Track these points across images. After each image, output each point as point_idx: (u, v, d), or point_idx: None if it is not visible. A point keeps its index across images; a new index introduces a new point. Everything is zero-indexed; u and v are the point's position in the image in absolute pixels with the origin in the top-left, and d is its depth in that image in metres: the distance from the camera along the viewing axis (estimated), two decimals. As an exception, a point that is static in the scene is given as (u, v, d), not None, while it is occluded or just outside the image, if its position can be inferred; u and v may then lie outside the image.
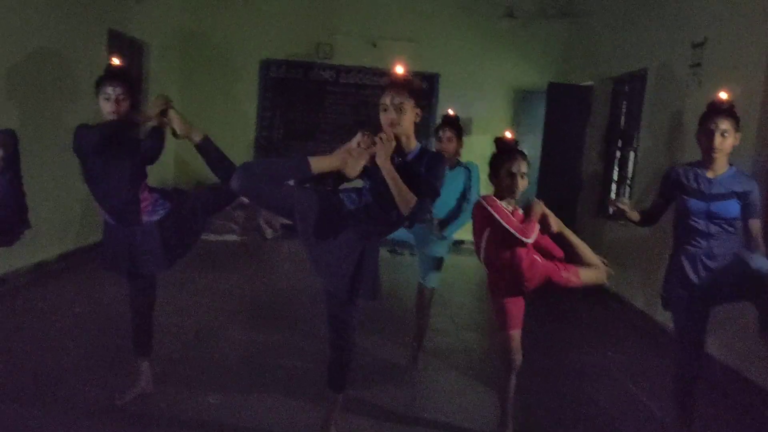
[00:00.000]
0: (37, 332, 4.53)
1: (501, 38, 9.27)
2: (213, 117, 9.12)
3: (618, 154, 7.54)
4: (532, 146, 8.98)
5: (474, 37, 9.35)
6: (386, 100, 2.88)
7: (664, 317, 4.71)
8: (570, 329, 5.89)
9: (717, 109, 3.30)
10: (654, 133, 6.27)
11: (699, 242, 3.33)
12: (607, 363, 4.93)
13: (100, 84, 3.31)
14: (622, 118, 7.51)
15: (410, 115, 2.88)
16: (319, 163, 2.81)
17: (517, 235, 3.09)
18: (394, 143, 2.83)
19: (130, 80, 3.42)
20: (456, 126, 4.33)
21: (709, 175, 3.31)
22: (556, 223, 3.23)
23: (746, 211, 3.29)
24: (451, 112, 4.50)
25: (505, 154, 3.23)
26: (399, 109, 2.85)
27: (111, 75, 3.34)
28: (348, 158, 2.82)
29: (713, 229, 3.30)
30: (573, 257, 3.33)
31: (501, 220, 3.09)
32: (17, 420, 3.28)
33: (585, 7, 8.65)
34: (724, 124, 3.23)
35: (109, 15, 7.01)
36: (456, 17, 9.31)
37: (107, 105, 3.27)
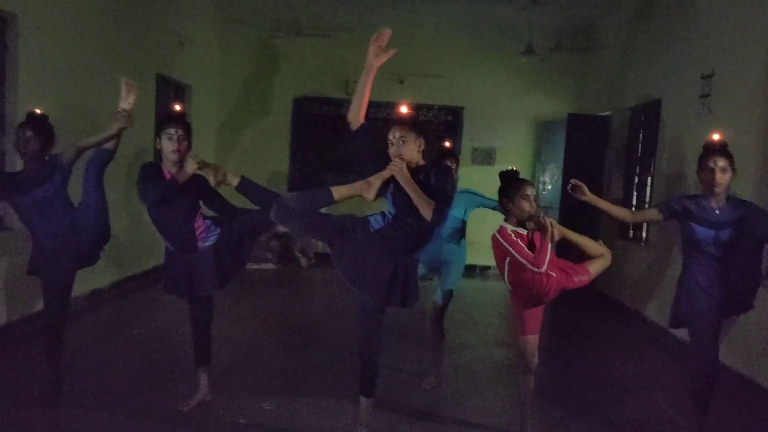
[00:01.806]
0: (102, 352, 4.98)
1: (522, 72, 9.70)
2: (249, 152, 9.72)
3: (636, 179, 7.88)
4: (553, 174, 9.40)
5: (496, 71, 9.81)
6: (390, 136, 3.39)
7: (682, 332, 5.01)
8: (593, 344, 6.19)
9: (714, 149, 3.69)
10: (669, 159, 6.62)
11: (708, 264, 3.69)
12: (630, 374, 5.23)
13: (163, 126, 3.73)
14: (639, 145, 7.86)
15: (413, 146, 3.37)
16: (340, 192, 3.37)
17: (530, 266, 3.41)
18: (404, 163, 3.29)
19: (188, 124, 3.86)
20: (456, 157, 4.73)
21: (713, 205, 3.69)
22: (558, 232, 3.54)
23: (759, 230, 3.65)
24: (447, 144, 4.90)
25: (512, 183, 3.60)
26: (401, 142, 3.35)
27: (173, 118, 3.78)
28: (365, 184, 3.34)
29: (722, 253, 3.67)
30: (581, 254, 3.69)
31: (516, 254, 3.44)
32: (102, 424, 3.72)
33: (600, 41, 9.07)
34: (722, 162, 3.63)
35: (157, 61, 7.60)
36: (479, 54, 9.79)
37: (170, 144, 3.68)
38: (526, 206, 3.52)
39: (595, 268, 3.66)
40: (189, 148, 3.81)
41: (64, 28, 5.70)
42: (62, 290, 3.89)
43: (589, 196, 3.87)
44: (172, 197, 3.67)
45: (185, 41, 8.27)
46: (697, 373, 3.79)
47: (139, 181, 3.70)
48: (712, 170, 3.63)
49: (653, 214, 4.01)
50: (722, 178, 3.63)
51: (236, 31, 9.76)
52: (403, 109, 3.50)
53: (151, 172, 3.72)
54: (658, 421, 4.30)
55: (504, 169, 3.76)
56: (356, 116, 3.43)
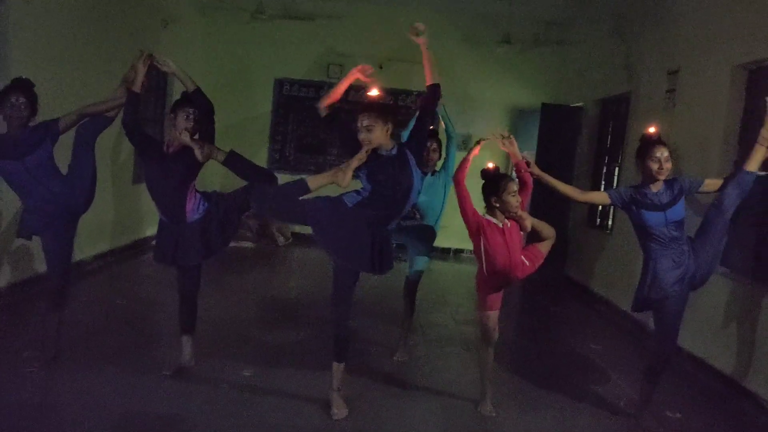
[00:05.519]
0: (88, 319, 5.13)
1: (498, 62, 9.90)
2: (230, 133, 9.79)
3: (605, 169, 8.19)
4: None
5: (474, 60, 9.99)
6: (359, 123, 3.63)
7: (644, 316, 5.32)
8: (558, 325, 6.52)
9: (656, 141, 3.99)
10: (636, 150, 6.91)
11: (666, 247, 3.95)
12: (591, 353, 5.55)
13: (178, 106, 3.99)
14: (609, 136, 8.16)
15: (380, 132, 3.62)
16: (315, 181, 3.67)
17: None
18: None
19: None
20: (437, 137, 4.88)
21: (653, 190, 3.96)
22: (529, 222, 3.87)
23: (694, 186, 3.96)
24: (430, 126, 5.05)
25: (492, 183, 3.86)
26: (368, 130, 3.59)
27: (188, 100, 4.01)
28: (338, 172, 3.61)
29: (674, 233, 3.94)
30: (538, 236, 4.03)
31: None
32: (89, 384, 3.93)
33: (575, 35, 9.34)
34: (666, 152, 3.91)
35: (141, 41, 7.67)
36: (457, 42, 9.95)
37: (183, 123, 3.93)
38: (514, 202, 3.80)
39: (546, 249, 4.01)
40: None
41: (53, 3, 5.81)
42: (66, 252, 4.11)
43: (537, 172, 4.08)
44: (165, 166, 3.91)
45: (169, 21, 8.35)
46: (656, 354, 4.11)
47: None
48: (659, 160, 3.88)
49: (601, 196, 4.39)
50: (668, 167, 3.90)
51: (220, 12, 9.85)
52: (373, 92, 3.73)
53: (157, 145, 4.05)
54: (613, 394, 4.60)
55: (484, 167, 3.95)
56: (322, 105, 3.81)
